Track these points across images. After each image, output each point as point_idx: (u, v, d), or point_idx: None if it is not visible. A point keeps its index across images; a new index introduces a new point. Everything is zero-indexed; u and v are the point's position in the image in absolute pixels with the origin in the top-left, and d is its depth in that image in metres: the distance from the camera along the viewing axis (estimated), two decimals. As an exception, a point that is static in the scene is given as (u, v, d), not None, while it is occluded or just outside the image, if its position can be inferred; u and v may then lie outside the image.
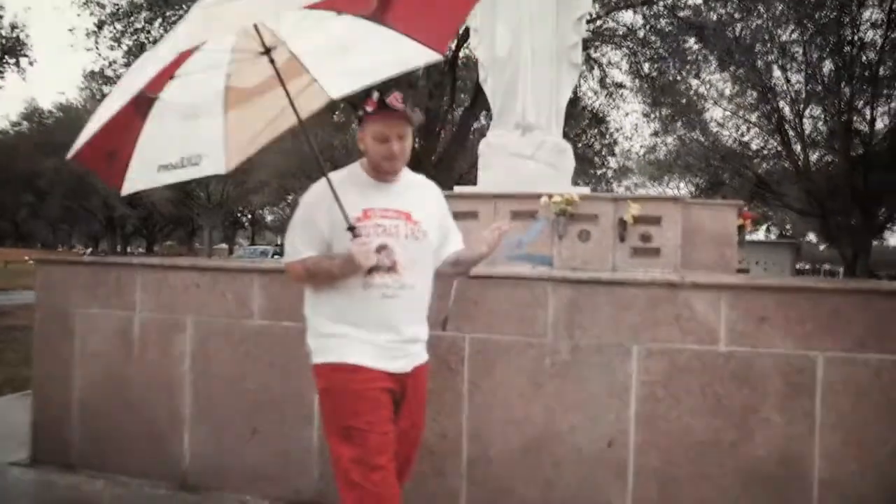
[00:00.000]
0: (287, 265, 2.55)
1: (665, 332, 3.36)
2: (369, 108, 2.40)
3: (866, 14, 19.83)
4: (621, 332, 3.37)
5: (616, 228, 5.06)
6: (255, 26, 2.39)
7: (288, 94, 2.41)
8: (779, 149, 23.03)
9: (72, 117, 38.76)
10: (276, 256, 24.65)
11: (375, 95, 2.39)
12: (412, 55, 2.41)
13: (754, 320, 3.27)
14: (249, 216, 47.05)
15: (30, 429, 4.33)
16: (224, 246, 45.60)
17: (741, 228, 5.50)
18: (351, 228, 2.31)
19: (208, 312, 3.91)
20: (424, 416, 2.71)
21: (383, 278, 2.38)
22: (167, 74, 2.41)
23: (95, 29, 15.62)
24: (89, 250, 50.40)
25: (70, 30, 17.17)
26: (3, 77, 25.17)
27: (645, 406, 3.37)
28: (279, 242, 38.58)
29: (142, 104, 2.43)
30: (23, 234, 54.95)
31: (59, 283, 4.23)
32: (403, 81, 12.11)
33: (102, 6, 15.49)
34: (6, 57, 25.04)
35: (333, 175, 2.44)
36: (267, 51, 2.43)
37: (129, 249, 53.55)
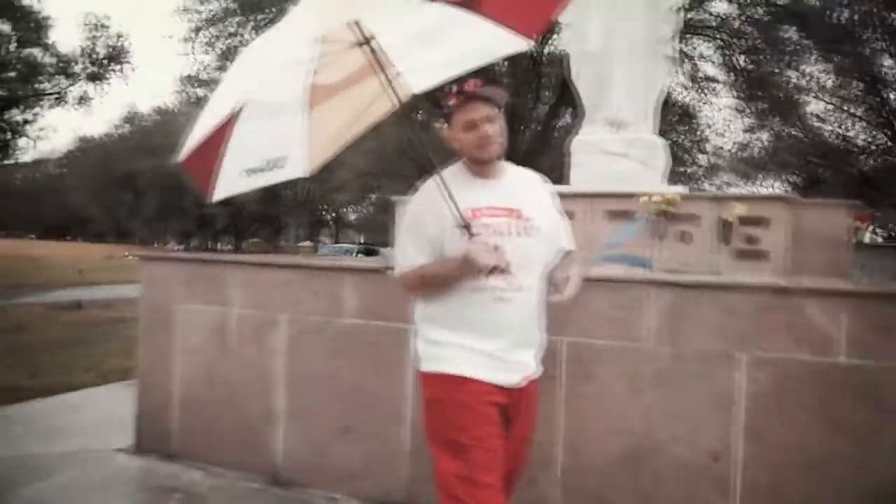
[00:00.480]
0: (401, 275, 2.40)
1: (776, 341, 3.13)
2: (451, 102, 2.31)
3: None
4: (727, 340, 3.17)
5: (719, 230, 4.80)
6: (356, 20, 2.28)
7: (388, 79, 2.29)
8: (889, 143, 21.51)
9: (168, 120, 40.88)
10: (359, 255, 25.07)
11: (453, 87, 2.30)
12: (499, 44, 2.31)
13: (880, 331, 3.00)
14: (333, 215, 48.14)
15: (134, 418, 4.51)
16: (309, 243, 46.83)
17: (855, 230, 5.10)
18: (466, 227, 2.17)
19: (302, 310, 3.95)
20: (534, 430, 2.57)
21: (496, 280, 2.21)
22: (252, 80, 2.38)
23: (192, 35, 16.33)
24: (181, 246, 52.90)
25: (168, 36, 18.00)
26: (108, 82, 26.81)
27: (753, 419, 3.14)
28: (361, 241, 39.26)
29: (227, 115, 2.38)
30: (122, 230, 58.33)
31: (160, 280, 4.39)
32: (487, 79, 12.02)
33: (199, 12, 16.17)
34: (111, 63, 26.64)
35: (435, 179, 2.30)
36: (367, 41, 2.31)
37: (218, 245, 55.87)
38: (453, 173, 2.37)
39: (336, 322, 3.85)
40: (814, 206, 5.45)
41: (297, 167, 2.54)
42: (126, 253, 32.53)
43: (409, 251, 2.35)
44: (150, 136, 42.24)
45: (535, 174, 2.55)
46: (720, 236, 4.82)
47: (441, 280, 2.28)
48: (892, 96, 20.40)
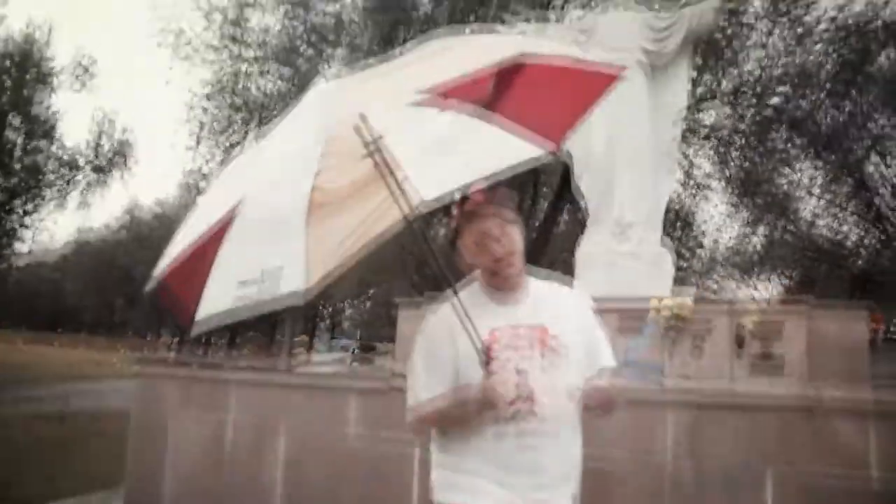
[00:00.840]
0: (412, 410, 2.15)
1: (803, 458, 2.97)
2: (458, 214, 2.14)
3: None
4: (752, 455, 3.00)
5: (733, 338, 4.69)
6: (362, 115, 2.09)
7: (398, 183, 2.07)
8: (881, 241, 21.75)
9: (168, 215, 41.48)
10: (356, 352, 24.74)
11: (457, 197, 2.11)
12: (518, 150, 2.17)
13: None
14: (330, 310, 47.92)
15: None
16: (304, 338, 46.39)
17: (873, 333, 5.00)
18: (487, 353, 1.95)
19: (304, 427, 3.79)
20: None
21: (519, 426, 1.97)
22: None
23: (195, 143, 16.79)
24: (175, 339, 52.35)
25: (171, 145, 18.57)
26: (111, 176, 27.37)
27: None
28: (359, 337, 38.89)
29: (229, 220, 2.16)
30: (117, 322, 57.87)
31: (155, 386, 4.23)
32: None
33: (201, 124, 16.69)
34: (116, 158, 27.30)
35: (451, 300, 2.06)
36: (374, 140, 2.12)
37: (212, 339, 55.26)
38: (470, 291, 2.16)
39: (338, 441, 3.69)
40: (829, 310, 5.36)
41: (295, 281, 2.24)
42: (120, 348, 32.13)
43: (421, 382, 2.12)
44: (150, 231, 42.74)
45: (566, 287, 2.29)
46: (734, 344, 4.71)
47: (458, 415, 2.04)
48: (881, 194, 20.77)
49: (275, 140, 2.23)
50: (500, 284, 2.15)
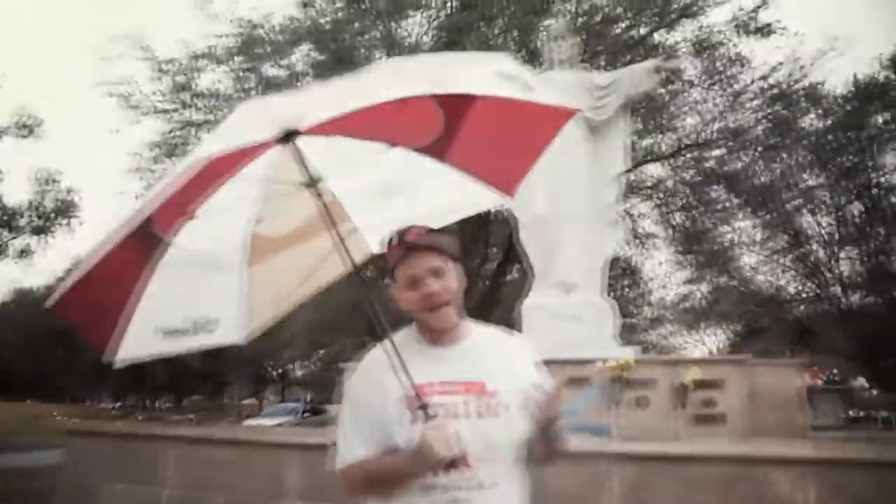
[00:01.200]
0: (340, 471, 1.92)
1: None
2: (392, 254, 1.90)
3: (887, 158, 20.24)
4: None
5: (675, 394, 4.76)
6: (300, 151, 1.95)
7: (340, 236, 1.95)
8: (817, 292, 22.61)
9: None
10: (305, 414, 24.06)
11: (395, 238, 1.90)
12: (475, 198, 2.08)
13: (847, 501, 2.91)
14: (279, 371, 46.77)
15: None
16: (253, 401, 44.97)
17: (809, 389, 5.16)
18: (423, 407, 1.76)
19: (242, 491, 3.64)
20: None
21: (450, 477, 1.74)
22: (184, 210, 1.99)
23: (144, 192, 16.47)
24: (117, 404, 50.19)
25: (119, 193, 18.06)
26: (53, 235, 26.56)
27: None
28: (308, 399, 37.91)
29: (151, 247, 1.99)
30: (53, 387, 55.24)
31: (86, 453, 4.03)
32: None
33: (152, 171, 16.42)
34: (59, 217, 26.55)
35: (383, 346, 1.89)
36: (312, 182, 1.98)
37: (157, 404, 53.16)
38: (404, 339, 1.94)
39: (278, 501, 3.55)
40: (767, 366, 5.51)
41: (233, 332, 2.18)
42: (55, 413, 30.52)
43: (349, 440, 1.89)
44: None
45: (511, 334, 2.07)
46: (677, 401, 4.77)
47: (389, 477, 1.82)
48: (814, 247, 21.71)
49: (204, 147, 2.00)
50: (434, 333, 1.91)
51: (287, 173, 1.98)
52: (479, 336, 1.96)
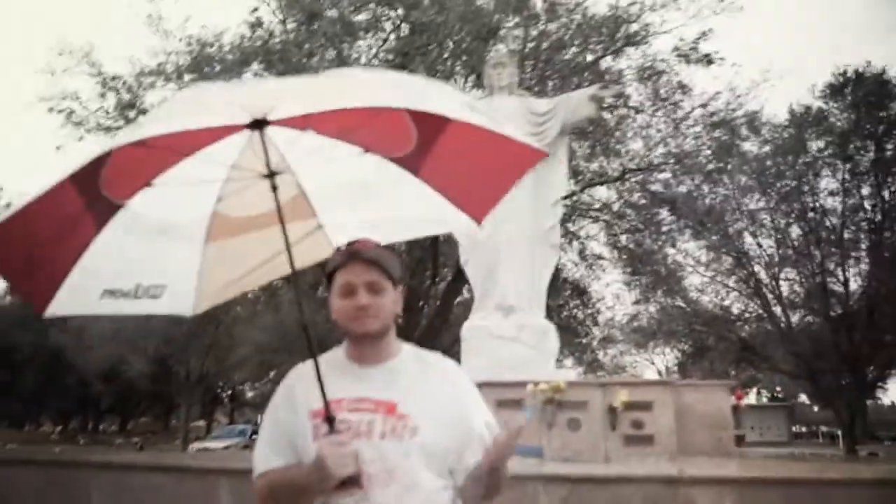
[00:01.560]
0: (254, 480, 1.87)
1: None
2: (335, 259, 1.85)
3: (823, 183, 21.17)
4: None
5: (607, 415, 4.87)
6: (263, 141, 1.91)
7: (286, 238, 1.91)
8: (760, 311, 23.32)
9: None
10: (254, 436, 23.61)
11: (343, 245, 1.86)
12: (447, 218, 2.06)
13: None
14: (229, 392, 45.80)
15: None
16: (202, 423, 43.85)
17: (736, 409, 5.33)
18: (329, 420, 1.70)
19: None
20: None
21: (342, 498, 1.66)
22: (140, 178, 1.94)
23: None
24: (58, 429, 48.31)
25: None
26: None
27: None
28: (258, 421, 37.21)
29: (101, 209, 1.94)
30: (-9, 412, 52.90)
31: (5, 484, 3.89)
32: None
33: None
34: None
35: (315, 359, 1.82)
36: (271, 174, 1.94)
37: (101, 427, 51.38)
38: (334, 356, 1.89)
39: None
40: (694, 387, 5.68)
41: (180, 303, 2.16)
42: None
43: (262, 449, 1.85)
44: (34, 309, 39.79)
45: (448, 362, 1.95)
46: (608, 422, 4.88)
47: (290, 490, 1.75)
48: (757, 269, 22.44)
49: (153, 124, 1.94)
50: (361, 352, 1.84)
51: (251, 160, 1.95)
52: (408, 358, 1.88)
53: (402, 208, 2.06)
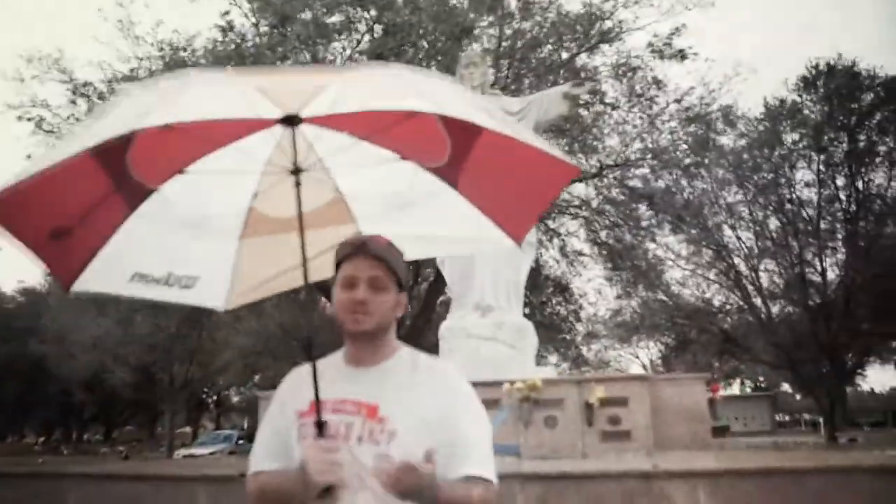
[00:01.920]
0: (246, 482, 1.82)
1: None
2: (343, 250, 1.78)
3: (799, 174, 21.45)
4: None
5: (583, 412, 4.91)
6: (294, 138, 1.84)
7: (303, 248, 1.84)
8: (740, 303, 23.56)
9: (34, 302, 38.40)
10: (240, 441, 23.47)
11: (355, 238, 1.81)
12: (486, 237, 1.95)
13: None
14: (214, 398, 45.49)
15: None
16: (188, 430, 43.52)
17: (712, 402, 5.39)
18: (319, 425, 1.64)
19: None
20: None
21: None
22: (174, 164, 1.90)
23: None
24: (41, 440, 47.72)
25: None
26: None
27: None
28: (245, 426, 37.02)
29: (131, 191, 1.90)
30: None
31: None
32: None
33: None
34: (-29, 248, 25.27)
35: (313, 360, 1.78)
36: (296, 171, 1.86)
37: (85, 437, 50.82)
38: (332, 359, 1.84)
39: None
40: (670, 381, 5.74)
41: (213, 297, 2.12)
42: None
43: (255, 450, 1.82)
44: (13, 318, 39.26)
45: (448, 367, 1.82)
46: (584, 419, 4.92)
47: (275, 495, 1.71)
48: (736, 261, 22.68)
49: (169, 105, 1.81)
50: (357, 352, 1.77)
51: (283, 158, 1.88)
52: (403, 361, 1.79)
53: (441, 224, 1.97)
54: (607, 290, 22.73)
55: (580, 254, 19.76)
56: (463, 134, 1.79)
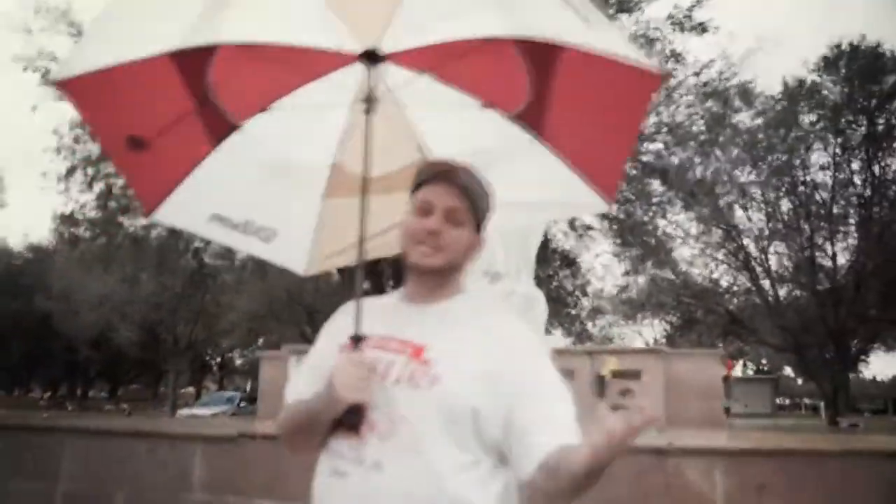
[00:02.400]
0: (278, 419, 1.68)
1: (655, 499, 3.01)
2: (423, 173, 1.58)
3: (814, 157, 21.14)
4: (609, 498, 3.00)
5: (594, 384, 4.80)
6: (370, 77, 1.66)
7: (363, 201, 1.65)
8: (748, 285, 23.43)
9: (41, 259, 38.55)
10: (242, 403, 23.61)
11: (440, 160, 1.63)
12: (578, 200, 1.75)
13: (752, 489, 2.95)
14: (218, 360, 45.86)
15: None
16: (191, 390, 43.95)
17: (726, 379, 5.28)
18: (356, 339, 1.49)
19: (144, 485, 3.48)
20: None
21: (339, 443, 1.44)
22: (257, 98, 1.75)
23: (67, 174, 15.78)
24: (47, 395, 48.32)
25: (42, 174, 17.22)
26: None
27: None
28: (247, 388, 37.30)
29: (214, 121, 1.77)
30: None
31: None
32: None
33: (74, 151, 15.72)
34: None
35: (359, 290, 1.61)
36: (368, 100, 1.66)
37: (91, 393, 51.45)
38: (390, 296, 1.68)
39: (185, 498, 3.41)
40: (684, 356, 5.61)
41: (291, 257, 1.97)
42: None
43: (293, 383, 1.65)
44: (21, 275, 39.50)
45: (512, 317, 1.59)
46: (595, 391, 4.80)
47: (303, 418, 1.54)
48: (746, 242, 22.49)
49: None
50: (418, 288, 1.57)
51: (362, 105, 1.67)
52: (465, 304, 1.56)
53: (528, 187, 1.74)
54: (615, 266, 22.61)
55: (589, 227, 19.56)
56: (540, 59, 1.56)
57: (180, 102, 1.69)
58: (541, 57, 1.55)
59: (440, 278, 1.54)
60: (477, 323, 1.51)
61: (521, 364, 1.44)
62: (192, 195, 1.83)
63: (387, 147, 1.72)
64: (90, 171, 15.72)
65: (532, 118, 1.67)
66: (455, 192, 1.51)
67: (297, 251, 1.97)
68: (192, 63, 1.63)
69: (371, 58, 1.66)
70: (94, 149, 15.67)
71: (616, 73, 1.48)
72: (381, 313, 1.57)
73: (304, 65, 1.71)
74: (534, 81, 1.60)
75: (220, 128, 1.78)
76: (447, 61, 1.66)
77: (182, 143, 1.77)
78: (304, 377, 1.62)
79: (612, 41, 1.50)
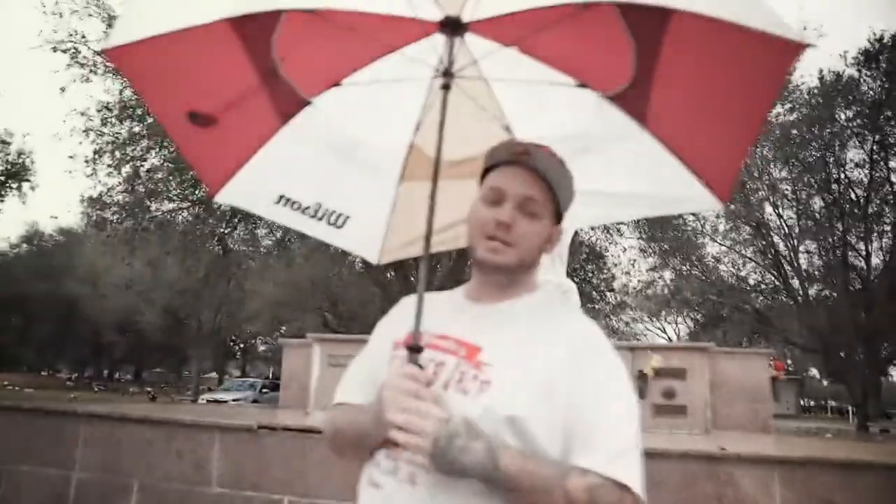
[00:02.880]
0: (324, 418, 1.54)
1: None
2: (495, 154, 1.40)
3: (850, 154, 20.53)
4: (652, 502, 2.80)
5: (636, 382, 4.57)
6: (452, 47, 1.49)
7: (434, 186, 1.49)
8: (776, 283, 22.92)
9: (70, 242, 39.04)
10: (264, 390, 23.67)
11: (517, 141, 1.47)
12: (686, 197, 1.55)
13: (816, 502, 2.73)
14: (241, 346, 46.16)
15: None
16: (214, 375, 44.32)
17: (774, 380, 5.02)
18: (412, 350, 1.32)
19: (158, 474, 3.35)
20: None
21: (378, 451, 1.31)
22: (328, 71, 1.62)
23: (94, 156, 15.80)
24: (73, 375, 49.10)
25: (70, 157, 17.26)
26: (3, 200, 25.57)
27: None
28: (270, 375, 37.50)
29: (282, 96, 1.64)
30: (9, 357, 53.82)
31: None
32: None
33: (101, 134, 15.72)
34: (9, 181, 25.54)
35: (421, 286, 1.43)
36: (446, 74, 1.49)
37: (116, 376, 52.21)
38: (453, 293, 1.50)
39: (200, 491, 3.27)
40: (731, 355, 5.33)
41: (366, 245, 1.85)
42: (6, 382, 29.63)
43: (343, 382, 1.51)
44: (51, 257, 40.06)
45: (588, 324, 1.36)
46: (637, 389, 4.58)
47: (350, 432, 1.39)
48: (776, 240, 21.98)
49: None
50: (482, 286, 1.40)
51: (443, 80, 1.50)
52: (532, 305, 1.38)
53: (632, 180, 1.58)
54: (641, 261, 22.26)
55: (616, 222, 19.26)
56: (648, 29, 1.33)
57: (244, 75, 1.57)
58: (649, 26, 1.32)
59: (507, 276, 1.37)
60: (542, 328, 1.32)
61: (585, 374, 1.24)
62: (259, 175, 1.73)
63: (468, 127, 1.57)
64: (118, 154, 15.72)
65: (635, 100, 1.46)
66: (531, 177, 1.33)
67: (370, 238, 1.85)
68: (256, 32, 1.51)
69: (452, 26, 1.50)
70: (122, 131, 15.68)
71: (742, 44, 1.22)
72: (440, 309, 1.40)
73: (378, 34, 1.56)
74: (639, 56, 1.38)
75: (288, 104, 1.67)
76: (538, 32, 1.46)
77: (248, 120, 1.66)
78: (356, 375, 1.50)
79: (738, 4, 1.23)
